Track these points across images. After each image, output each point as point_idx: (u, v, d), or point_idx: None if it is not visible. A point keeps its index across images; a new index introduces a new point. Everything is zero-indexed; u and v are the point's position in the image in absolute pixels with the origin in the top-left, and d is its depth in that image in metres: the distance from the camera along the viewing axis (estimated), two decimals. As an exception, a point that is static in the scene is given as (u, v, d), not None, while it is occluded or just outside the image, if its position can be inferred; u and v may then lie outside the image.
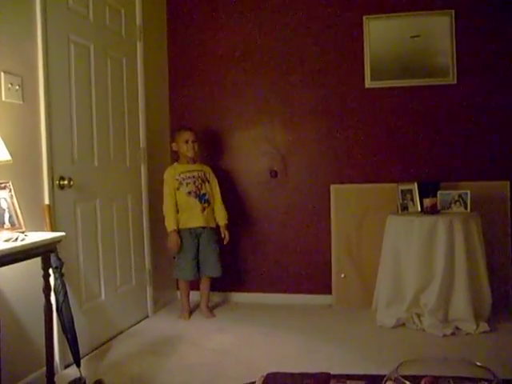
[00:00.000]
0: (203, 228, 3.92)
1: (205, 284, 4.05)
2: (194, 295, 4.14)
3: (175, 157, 4.14)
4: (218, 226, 4.02)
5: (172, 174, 3.95)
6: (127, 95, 3.85)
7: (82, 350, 2.87)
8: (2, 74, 2.58)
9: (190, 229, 3.90)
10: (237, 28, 4.41)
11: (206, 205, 3.92)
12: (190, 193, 3.89)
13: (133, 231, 3.89)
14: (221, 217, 4.01)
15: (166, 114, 4.55)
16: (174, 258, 3.98)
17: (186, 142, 3.93)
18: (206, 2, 4.46)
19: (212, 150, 4.45)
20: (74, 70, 3.20)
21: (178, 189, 3.91)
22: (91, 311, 3.31)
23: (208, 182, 4.00)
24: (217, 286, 4.22)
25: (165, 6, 4.54)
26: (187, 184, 3.91)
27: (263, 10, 4.36)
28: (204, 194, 3.93)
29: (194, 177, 3.94)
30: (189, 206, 3.89)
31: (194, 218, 3.89)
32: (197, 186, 3.92)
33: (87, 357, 3.15)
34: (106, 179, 3.56)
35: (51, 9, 2.95)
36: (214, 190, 4.05)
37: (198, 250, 3.94)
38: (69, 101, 3.15)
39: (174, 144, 4.02)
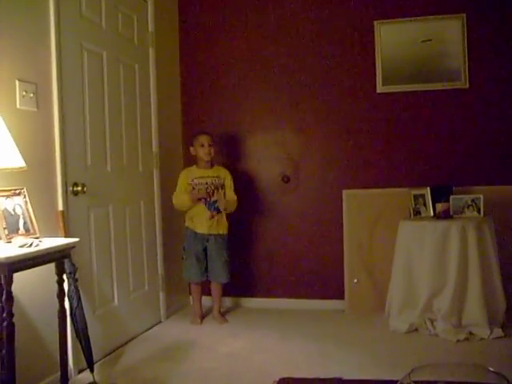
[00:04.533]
0: (210, 235, 3.93)
1: (215, 289, 4.05)
2: (207, 301, 4.15)
3: (192, 162, 4.11)
4: (228, 233, 4.02)
5: (186, 176, 3.98)
6: (140, 101, 3.88)
7: (95, 355, 2.89)
8: (17, 81, 2.62)
9: (196, 233, 3.93)
10: (249, 34, 4.43)
11: (214, 213, 3.93)
12: (199, 199, 3.92)
13: (145, 236, 3.91)
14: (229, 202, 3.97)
15: (178, 118, 4.58)
16: (183, 258, 3.99)
17: (202, 145, 3.93)
18: (218, 8, 4.49)
19: (223, 155, 4.46)
20: (87, 77, 3.23)
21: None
22: (104, 316, 3.33)
23: (222, 187, 4.00)
24: (229, 291, 4.23)
25: (177, 13, 4.57)
26: (199, 190, 3.92)
27: (275, 17, 4.37)
28: (214, 202, 3.94)
29: (206, 183, 3.94)
30: (197, 212, 3.92)
31: (201, 224, 3.92)
32: (208, 193, 3.93)
33: (100, 362, 3.17)
34: (118, 184, 3.58)
35: (64, 17, 2.98)
36: (228, 189, 4.01)
37: (206, 253, 3.96)
38: (82, 107, 3.19)
39: (191, 148, 4.02)
